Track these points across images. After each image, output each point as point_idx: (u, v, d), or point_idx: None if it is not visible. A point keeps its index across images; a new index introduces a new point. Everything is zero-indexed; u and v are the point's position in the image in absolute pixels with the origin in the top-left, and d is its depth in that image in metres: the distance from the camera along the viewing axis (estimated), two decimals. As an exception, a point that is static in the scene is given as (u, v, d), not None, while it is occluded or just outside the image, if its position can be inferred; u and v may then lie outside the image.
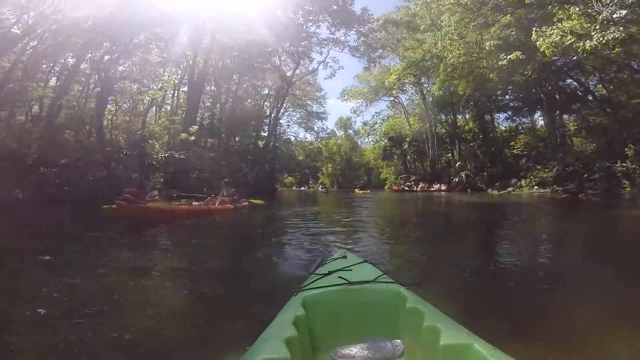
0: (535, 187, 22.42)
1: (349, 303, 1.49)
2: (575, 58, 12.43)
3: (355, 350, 1.24)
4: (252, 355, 1.01)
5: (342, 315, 1.47)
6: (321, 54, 27.28)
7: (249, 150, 29.02)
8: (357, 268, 1.78)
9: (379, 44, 28.10)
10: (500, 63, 12.38)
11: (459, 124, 36.56)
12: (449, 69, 19.37)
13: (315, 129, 43.14)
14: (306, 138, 44.30)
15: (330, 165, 56.92)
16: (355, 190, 38.29)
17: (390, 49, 38.78)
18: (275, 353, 0.98)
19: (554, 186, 21.00)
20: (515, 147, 23.88)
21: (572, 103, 25.80)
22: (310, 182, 53.68)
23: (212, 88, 29.48)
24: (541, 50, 10.30)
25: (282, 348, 1.00)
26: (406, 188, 32.68)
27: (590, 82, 23.37)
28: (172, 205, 7.83)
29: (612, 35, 8.20)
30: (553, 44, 9.56)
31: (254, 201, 11.15)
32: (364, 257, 2.23)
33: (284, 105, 40.37)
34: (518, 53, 11.72)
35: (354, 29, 24.61)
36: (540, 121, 30.53)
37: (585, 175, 19.91)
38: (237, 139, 32.33)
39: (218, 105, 28.27)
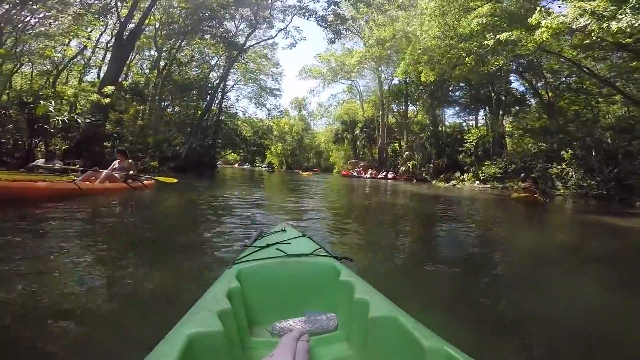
0: (477, 182, 23.01)
1: (286, 275, 1.43)
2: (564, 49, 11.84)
3: (292, 323, 1.20)
4: (182, 329, 0.90)
5: (278, 287, 1.39)
6: (283, 22, 23.63)
7: (187, 121, 25.91)
8: (296, 241, 1.74)
9: (349, 16, 25.46)
10: (485, 42, 11.33)
11: (409, 115, 36.86)
12: (419, 51, 18.32)
13: (268, 106, 40.25)
14: (256, 114, 41.37)
15: (280, 144, 54.88)
16: (301, 172, 37.89)
17: (356, 30, 37.54)
18: (207, 326, 0.90)
19: (494, 182, 21.72)
20: (469, 140, 23.64)
21: (513, 105, 27.03)
22: (257, 160, 51.24)
23: (153, 53, 25.57)
24: (539, 33, 9.37)
25: (214, 321, 0.94)
26: (355, 174, 32.19)
27: (538, 86, 24.26)
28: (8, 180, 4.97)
29: None
30: (562, 24, 8.70)
31: (162, 179, 8.16)
32: (304, 231, 2.16)
33: (235, 77, 37.28)
34: (508, 34, 10.70)
35: (326, -6, 21.56)
36: (481, 120, 32.15)
37: (522, 175, 20.79)
38: (175, 108, 28.96)
39: (155, 70, 24.58)
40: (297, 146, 57.55)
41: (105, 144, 15.26)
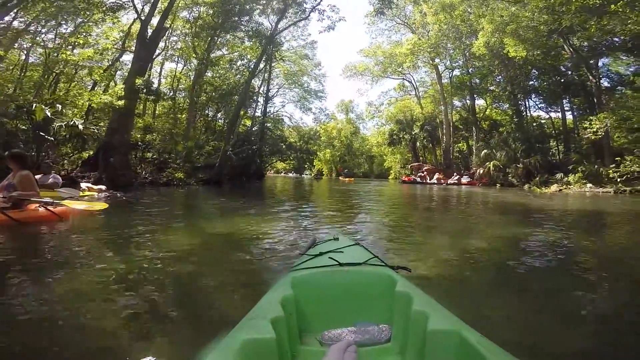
0: (589, 185, 17.50)
1: (339, 284, 1.41)
2: None
3: (342, 333, 1.17)
4: (237, 334, 0.95)
5: (331, 296, 1.38)
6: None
7: (229, 128, 23.77)
8: (349, 250, 1.72)
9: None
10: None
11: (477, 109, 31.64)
12: (503, 18, 14.05)
13: (314, 109, 37.62)
14: (302, 120, 39.03)
15: (328, 151, 51.82)
16: (340, 177, 35.58)
17: (403, 20, 33.58)
18: (261, 333, 0.94)
19: (618, 185, 16.15)
20: (592, 129, 16.61)
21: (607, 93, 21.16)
22: (307, 167, 48.55)
23: (192, 64, 23.97)
24: None
25: (267, 328, 0.96)
26: (418, 179, 27.65)
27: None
28: None
29: None
30: None
31: (84, 205, 5.06)
32: (357, 240, 2.07)
33: (279, 82, 35.27)
34: None
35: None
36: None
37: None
38: (217, 115, 27.13)
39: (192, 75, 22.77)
40: (346, 152, 54.06)
41: (134, 153, 13.18)
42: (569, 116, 26.13)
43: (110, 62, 18.56)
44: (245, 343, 0.87)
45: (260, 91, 30.31)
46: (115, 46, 18.68)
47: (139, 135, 14.93)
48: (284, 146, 27.18)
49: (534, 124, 26.62)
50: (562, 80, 24.19)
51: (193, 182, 12.67)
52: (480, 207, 9.60)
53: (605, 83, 22.93)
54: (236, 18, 19.91)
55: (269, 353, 0.90)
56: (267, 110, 31.32)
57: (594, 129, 15.71)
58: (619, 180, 15.58)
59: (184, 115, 22.16)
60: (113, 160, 10.53)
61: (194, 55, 21.66)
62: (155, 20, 15.87)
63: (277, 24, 19.97)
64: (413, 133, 34.42)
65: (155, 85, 16.24)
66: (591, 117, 17.11)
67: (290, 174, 51.85)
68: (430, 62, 32.79)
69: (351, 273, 1.43)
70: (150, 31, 15.34)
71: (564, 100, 25.42)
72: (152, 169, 12.57)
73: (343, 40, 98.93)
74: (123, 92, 10.97)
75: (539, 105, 28.45)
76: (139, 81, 11.13)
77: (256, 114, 29.35)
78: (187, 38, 22.04)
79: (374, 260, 1.55)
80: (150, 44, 14.95)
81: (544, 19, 12.72)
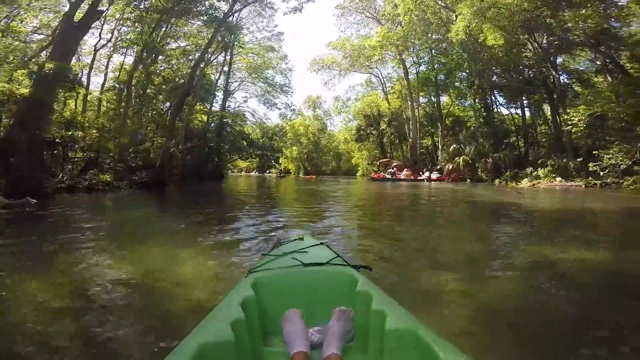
0: (559, 179, 17.35)
1: (302, 285, 1.38)
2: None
3: (307, 333, 1.10)
4: (193, 339, 0.89)
5: (294, 297, 1.34)
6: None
7: (172, 121, 21.30)
8: (313, 250, 1.69)
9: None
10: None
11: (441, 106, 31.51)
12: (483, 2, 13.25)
13: (279, 105, 35.37)
14: (266, 115, 36.79)
15: (295, 148, 49.98)
16: (300, 174, 35.19)
17: (370, 14, 32.78)
18: (220, 336, 0.89)
19: (588, 178, 16.01)
20: (574, 119, 15.91)
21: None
22: (273, 165, 46.41)
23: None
24: None
25: (227, 330, 0.93)
26: (388, 175, 26.69)
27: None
28: None
29: None
30: None
31: None
32: (322, 239, 2.05)
33: (241, 75, 32.87)
34: None
35: None
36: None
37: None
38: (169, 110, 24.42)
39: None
40: (313, 149, 52.52)
41: (51, 152, 10.68)
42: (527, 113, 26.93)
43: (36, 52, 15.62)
44: (202, 347, 0.82)
45: (219, 84, 28.03)
46: (41, 33, 15.95)
47: (70, 133, 12.40)
48: (245, 143, 25.07)
49: (496, 120, 26.76)
50: (521, 78, 24.39)
51: (125, 185, 10.49)
52: (465, 207, 8.53)
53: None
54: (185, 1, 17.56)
55: (230, 356, 0.86)
56: (227, 105, 29.14)
57: (574, 121, 15.40)
58: (602, 174, 15.38)
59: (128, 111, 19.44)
60: (14, 161, 8.20)
61: (139, 42, 19.02)
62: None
63: (234, 3, 17.79)
64: (380, 129, 33.63)
65: (76, 73, 13.64)
66: (569, 110, 16.92)
67: (253, 173, 49.57)
68: (398, 56, 32.21)
69: (314, 273, 1.41)
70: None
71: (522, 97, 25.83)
72: (73, 171, 10.20)
73: (311, 36, 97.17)
74: (27, 79, 8.65)
75: (500, 102, 29.03)
76: (49, 65, 8.80)
77: (214, 108, 27.08)
78: (129, 24, 19.39)
79: (337, 260, 1.52)
80: (78, 27, 12.40)
81: (524, 6, 12.14)
